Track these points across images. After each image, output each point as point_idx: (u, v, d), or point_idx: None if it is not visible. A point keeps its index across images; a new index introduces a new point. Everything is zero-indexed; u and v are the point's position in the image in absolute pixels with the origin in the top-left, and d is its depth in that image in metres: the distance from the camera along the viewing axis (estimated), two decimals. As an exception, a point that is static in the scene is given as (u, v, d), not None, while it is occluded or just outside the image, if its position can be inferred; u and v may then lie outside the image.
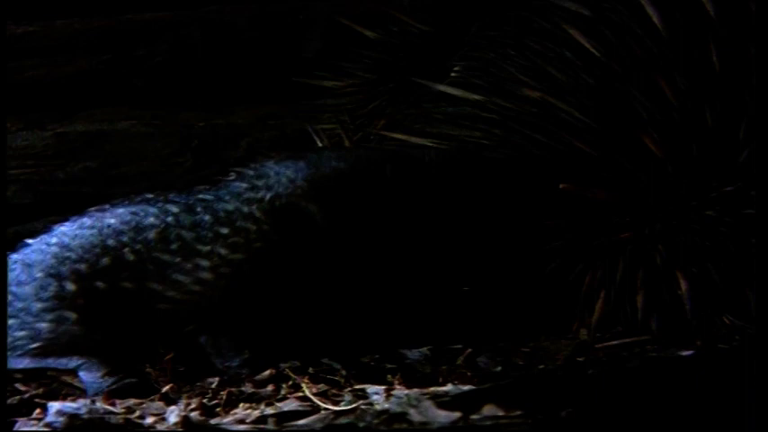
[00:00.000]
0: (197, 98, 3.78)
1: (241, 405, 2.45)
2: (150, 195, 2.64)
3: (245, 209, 2.55)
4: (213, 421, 2.36)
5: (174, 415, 2.36)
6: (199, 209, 2.57)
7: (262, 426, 2.30)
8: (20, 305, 2.58)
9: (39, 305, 2.56)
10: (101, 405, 2.45)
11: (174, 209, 2.59)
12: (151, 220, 2.57)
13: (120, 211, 2.62)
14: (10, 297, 2.60)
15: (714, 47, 2.73)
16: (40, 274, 2.58)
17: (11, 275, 2.62)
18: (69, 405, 2.43)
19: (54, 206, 3.66)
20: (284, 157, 2.64)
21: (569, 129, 2.73)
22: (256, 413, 2.38)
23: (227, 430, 2.27)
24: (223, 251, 2.53)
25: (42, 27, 3.76)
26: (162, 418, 2.37)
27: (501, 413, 2.19)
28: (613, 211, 2.71)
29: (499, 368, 2.59)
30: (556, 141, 2.74)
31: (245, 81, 3.78)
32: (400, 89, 3.05)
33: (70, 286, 2.55)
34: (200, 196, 2.61)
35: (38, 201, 3.68)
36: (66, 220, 2.68)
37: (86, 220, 2.64)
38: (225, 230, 2.54)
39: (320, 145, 3.04)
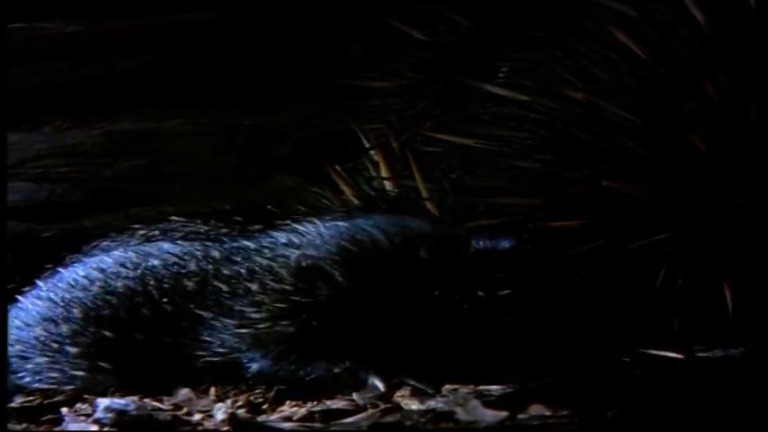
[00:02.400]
0: (242, 97, 3.79)
1: (288, 403, 2.47)
2: (199, 228, 2.64)
3: (275, 265, 2.55)
4: (260, 419, 2.38)
5: (221, 412, 2.38)
6: (238, 258, 2.57)
7: (308, 423, 2.32)
8: (54, 345, 2.57)
9: (75, 350, 2.56)
10: (149, 402, 2.47)
11: (216, 254, 2.58)
12: (192, 267, 2.57)
13: (166, 248, 2.61)
14: (41, 331, 2.58)
15: (757, 44, 2.71)
16: (79, 315, 2.57)
17: (44, 304, 2.61)
18: (118, 401, 2.45)
19: (102, 204, 3.70)
20: (333, 217, 2.65)
21: (615, 129, 2.72)
22: (303, 411, 2.40)
23: (274, 428, 2.28)
24: (248, 309, 2.52)
25: (91, 26, 3.78)
26: (209, 415, 2.38)
27: (548, 413, 2.19)
28: (657, 211, 2.71)
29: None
30: (601, 140, 2.73)
31: (290, 80, 3.79)
32: (447, 89, 3.06)
33: (109, 334, 2.54)
34: (243, 243, 2.61)
35: (86, 199, 3.71)
36: (109, 248, 2.66)
37: (131, 256, 2.62)
38: (254, 287, 2.54)
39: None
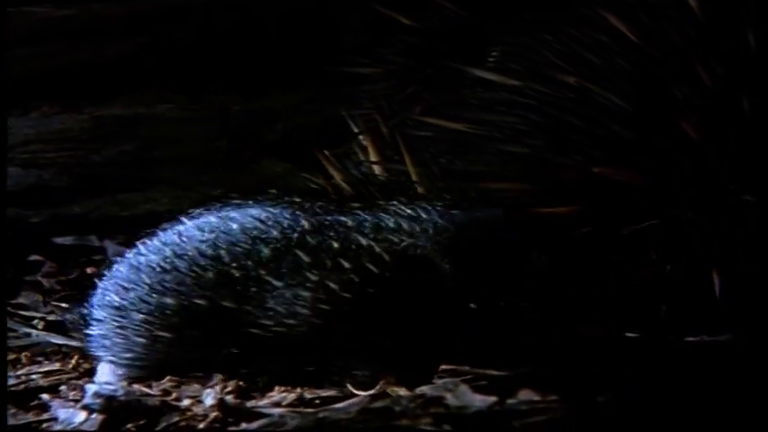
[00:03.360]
0: (234, 82, 3.78)
1: (277, 388, 2.46)
2: (295, 200, 2.52)
3: (377, 248, 2.42)
4: (249, 404, 2.37)
5: (210, 397, 2.37)
6: (331, 232, 2.45)
7: (298, 408, 2.31)
8: (121, 310, 2.53)
9: (139, 317, 2.50)
10: (137, 387, 2.47)
11: (306, 225, 2.46)
12: (275, 233, 2.45)
13: (250, 212, 2.50)
14: (115, 296, 2.54)
15: (751, 30, 2.71)
16: (147, 280, 2.51)
17: (123, 270, 2.56)
18: (107, 387, 2.45)
19: (90, 189, 3.69)
20: (446, 205, 2.52)
21: (607, 113, 2.71)
22: (292, 396, 2.40)
23: (263, 413, 2.28)
24: (333, 286, 2.41)
25: (80, 11, 3.77)
26: (198, 400, 2.38)
27: (537, 398, 2.19)
28: (649, 197, 2.70)
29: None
30: (593, 126, 2.73)
31: (281, 65, 3.78)
32: (437, 74, 3.05)
33: (170, 302, 2.47)
34: (340, 218, 2.48)
35: (74, 184, 3.70)
36: (202, 214, 2.56)
37: (212, 220, 2.52)
38: (347, 265, 2.41)
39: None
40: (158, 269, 2.49)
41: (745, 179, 2.69)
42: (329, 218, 2.48)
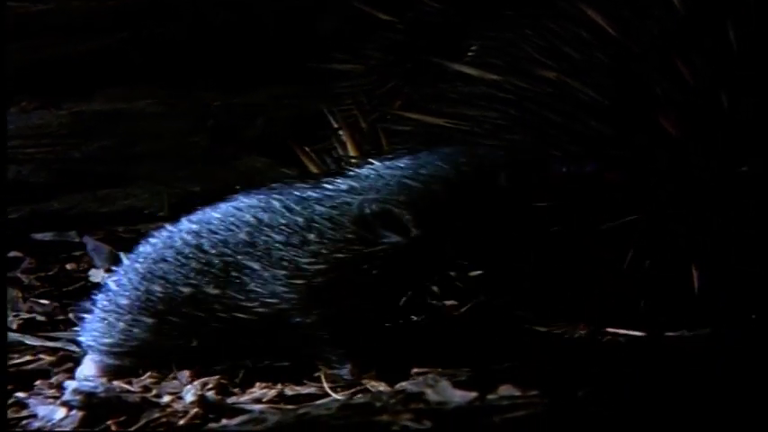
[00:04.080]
0: (213, 77, 3.78)
1: (257, 384, 2.46)
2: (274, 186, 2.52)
3: (336, 213, 2.41)
4: (230, 400, 2.37)
5: (190, 394, 2.37)
6: (298, 208, 2.44)
7: (278, 405, 2.31)
8: (111, 298, 2.54)
9: (125, 301, 2.51)
10: (118, 384, 2.46)
11: (277, 205, 2.46)
12: (247, 217, 2.46)
13: (233, 203, 2.53)
14: (110, 294, 2.55)
15: (732, 25, 2.71)
16: (141, 269, 2.52)
17: (127, 263, 2.58)
18: (86, 384, 2.44)
19: (70, 185, 3.68)
20: (396, 155, 2.50)
21: (586, 109, 2.72)
22: (273, 392, 2.39)
23: (244, 409, 2.27)
24: (304, 260, 2.40)
25: (58, 5, 3.75)
26: (178, 396, 2.37)
27: (517, 393, 2.19)
28: (629, 193, 2.71)
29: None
30: (572, 121, 2.73)
31: (261, 61, 3.78)
32: (417, 69, 3.05)
33: (156, 289, 2.48)
34: (307, 193, 2.47)
35: (53, 180, 3.69)
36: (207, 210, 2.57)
37: (198, 215, 2.55)
38: (311, 236, 2.41)
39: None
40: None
41: (724, 175, 2.69)
42: (297, 194, 2.48)
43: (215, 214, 2.51)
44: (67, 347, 2.75)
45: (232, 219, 2.48)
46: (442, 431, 2.09)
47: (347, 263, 2.39)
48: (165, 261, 2.48)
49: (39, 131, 3.69)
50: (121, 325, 2.51)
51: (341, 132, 3.07)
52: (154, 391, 2.42)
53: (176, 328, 2.47)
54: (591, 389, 2.22)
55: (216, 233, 2.47)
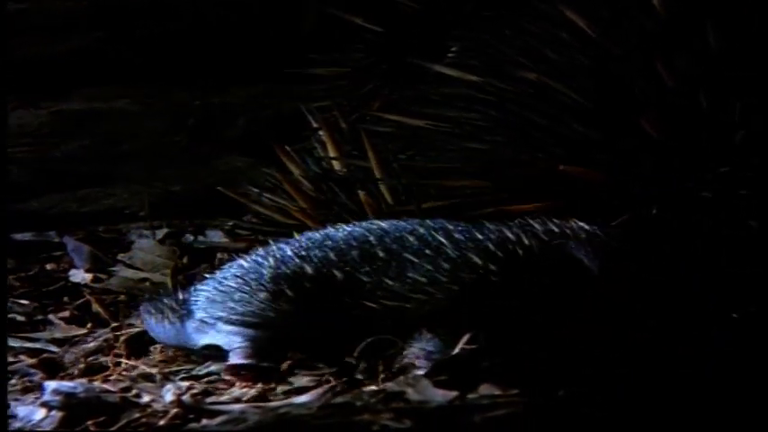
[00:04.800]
0: (193, 77, 3.77)
1: (237, 384, 2.46)
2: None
3: (525, 239, 2.55)
4: (209, 399, 2.37)
5: (170, 394, 2.36)
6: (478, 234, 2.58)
7: (258, 403, 2.31)
8: (251, 273, 2.59)
9: (270, 275, 2.56)
10: (97, 384, 2.45)
11: (452, 228, 2.59)
12: (421, 230, 2.58)
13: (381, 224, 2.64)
14: (252, 265, 2.60)
15: (711, 27, 2.72)
16: (289, 253, 2.59)
17: (267, 249, 2.64)
18: (66, 384, 2.43)
19: (50, 185, 3.67)
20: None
21: (566, 110, 2.72)
22: (253, 392, 2.39)
23: (223, 411, 2.27)
24: (476, 259, 2.53)
25: (35, 4, 3.74)
26: (159, 396, 2.37)
27: (498, 392, 2.19)
28: (610, 194, 2.71)
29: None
30: (553, 123, 2.73)
31: (241, 61, 3.77)
32: (396, 70, 3.05)
33: (308, 268, 2.55)
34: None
35: (33, 180, 3.68)
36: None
37: (370, 224, 2.65)
38: (492, 247, 2.54)
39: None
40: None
41: (705, 176, 2.70)
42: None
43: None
44: (48, 348, 2.74)
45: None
46: (423, 430, 2.09)
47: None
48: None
49: (18, 131, 3.68)
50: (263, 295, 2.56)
51: (321, 133, 3.07)
52: (134, 392, 2.41)
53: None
54: (571, 389, 2.22)
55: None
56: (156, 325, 2.67)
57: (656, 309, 2.54)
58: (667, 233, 2.67)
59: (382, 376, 2.44)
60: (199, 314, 2.61)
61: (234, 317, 2.58)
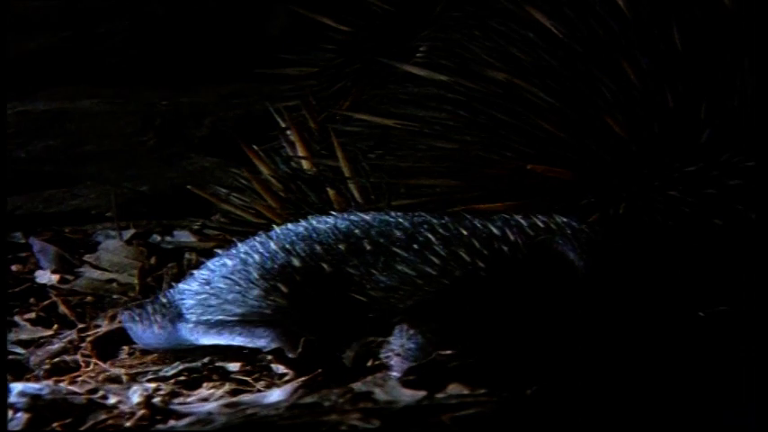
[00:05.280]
0: (160, 76, 3.75)
1: (204, 384, 2.45)
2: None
3: (511, 235, 2.56)
4: (177, 400, 2.36)
5: (136, 395, 2.35)
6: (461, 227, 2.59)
7: (227, 399, 2.30)
8: (240, 272, 2.58)
9: (259, 271, 2.56)
10: (64, 386, 2.44)
11: (436, 223, 2.60)
12: (406, 224, 2.59)
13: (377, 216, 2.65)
14: (237, 263, 2.59)
15: (676, 26, 2.74)
16: (274, 247, 2.59)
17: (250, 244, 2.63)
18: (32, 386, 2.41)
19: (16, 186, 3.64)
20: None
21: (535, 110, 2.73)
22: (220, 392, 2.39)
23: (191, 412, 2.26)
24: (464, 255, 2.54)
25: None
26: (125, 398, 2.36)
27: (466, 392, 2.19)
28: (579, 193, 2.72)
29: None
30: (521, 122, 2.74)
31: (209, 60, 3.76)
32: (365, 70, 3.05)
33: (296, 262, 2.55)
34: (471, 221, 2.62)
35: (-1, 180, 3.64)
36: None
37: (353, 216, 2.65)
38: (477, 245, 2.55)
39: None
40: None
41: (670, 174, 2.72)
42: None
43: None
44: (13, 350, 2.72)
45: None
46: (391, 430, 2.09)
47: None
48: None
49: (-17, 131, 3.66)
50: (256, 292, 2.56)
51: (289, 132, 3.07)
52: (100, 393, 2.39)
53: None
54: (539, 387, 2.23)
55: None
56: (144, 331, 2.65)
57: (642, 302, 2.56)
58: (635, 232, 2.68)
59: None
60: (192, 316, 2.60)
61: (231, 318, 2.56)
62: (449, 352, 2.38)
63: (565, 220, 2.59)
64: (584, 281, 2.54)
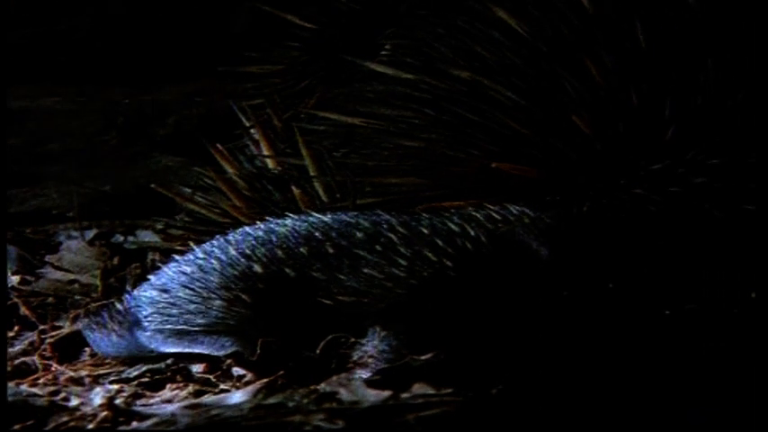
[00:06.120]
0: (123, 74, 3.73)
1: (168, 386, 2.43)
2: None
3: (471, 230, 2.54)
4: (140, 402, 2.34)
5: (99, 397, 2.33)
6: (418, 224, 2.58)
7: (191, 400, 2.29)
8: (199, 280, 2.54)
9: (220, 280, 2.52)
10: (25, 388, 2.41)
11: (395, 222, 2.58)
12: (366, 224, 2.56)
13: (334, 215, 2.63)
14: (196, 270, 2.55)
15: (640, 24, 2.75)
16: (234, 252, 2.54)
17: (207, 249, 2.59)
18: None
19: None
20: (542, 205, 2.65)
21: (500, 108, 2.73)
22: (183, 393, 2.37)
23: (154, 413, 2.25)
24: (430, 255, 2.53)
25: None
26: (87, 400, 2.34)
27: (431, 391, 2.19)
28: (544, 191, 2.73)
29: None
30: (487, 120, 2.74)
31: (173, 58, 3.74)
32: (331, 67, 3.04)
33: (258, 268, 2.51)
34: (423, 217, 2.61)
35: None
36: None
37: (311, 218, 2.62)
38: (440, 243, 2.53)
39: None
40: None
41: (635, 172, 2.73)
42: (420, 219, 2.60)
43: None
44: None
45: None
46: (356, 431, 2.08)
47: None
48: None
49: (-56, 130, 3.62)
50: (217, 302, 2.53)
51: (254, 131, 3.06)
52: (62, 395, 2.38)
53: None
54: (505, 386, 2.23)
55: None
56: (102, 339, 2.62)
57: (606, 289, 2.57)
58: (596, 220, 2.69)
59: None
60: (151, 324, 2.56)
61: (194, 329, 2.53)
62: (423, 355, 2.37)
63: (518, 209, 2.58)
64: (548, 268, 2.54)
